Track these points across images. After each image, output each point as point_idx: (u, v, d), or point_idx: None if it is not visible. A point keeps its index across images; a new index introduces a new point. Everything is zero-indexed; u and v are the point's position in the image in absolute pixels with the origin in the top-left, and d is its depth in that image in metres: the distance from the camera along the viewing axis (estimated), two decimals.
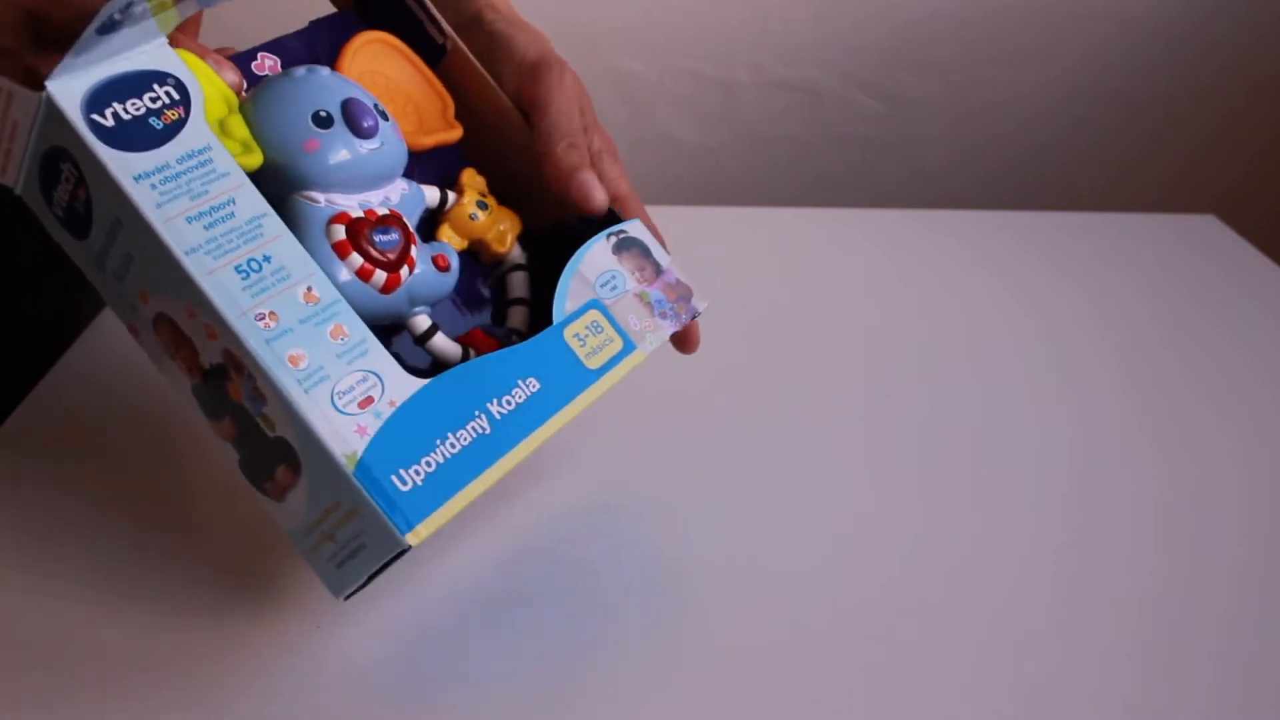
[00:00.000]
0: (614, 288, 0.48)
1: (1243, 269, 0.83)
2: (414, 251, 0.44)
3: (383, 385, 0.40)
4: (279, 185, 0.42)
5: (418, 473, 0.38)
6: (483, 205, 0.49)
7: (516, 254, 0.51)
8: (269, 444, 0.39)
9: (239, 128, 0.42)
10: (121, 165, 0.38)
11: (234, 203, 0.40)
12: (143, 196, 0.38)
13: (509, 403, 0.42)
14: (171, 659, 0.44)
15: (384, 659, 0.44)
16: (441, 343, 0.46)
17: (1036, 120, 1.37)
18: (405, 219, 0.45)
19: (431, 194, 0.48)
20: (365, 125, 0.43)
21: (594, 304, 0.47)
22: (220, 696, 0.43)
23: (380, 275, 0.42)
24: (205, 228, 0.39)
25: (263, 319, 0.38)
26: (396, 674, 0.44)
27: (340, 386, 0.39)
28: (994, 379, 0.67)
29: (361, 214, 0.43)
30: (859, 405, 0.64)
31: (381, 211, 0.44)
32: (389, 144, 0.44)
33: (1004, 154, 1.39)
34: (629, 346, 0.47)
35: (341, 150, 0.43)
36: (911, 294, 0.78)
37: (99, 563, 0.49)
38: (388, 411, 0.39)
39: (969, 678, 0.44)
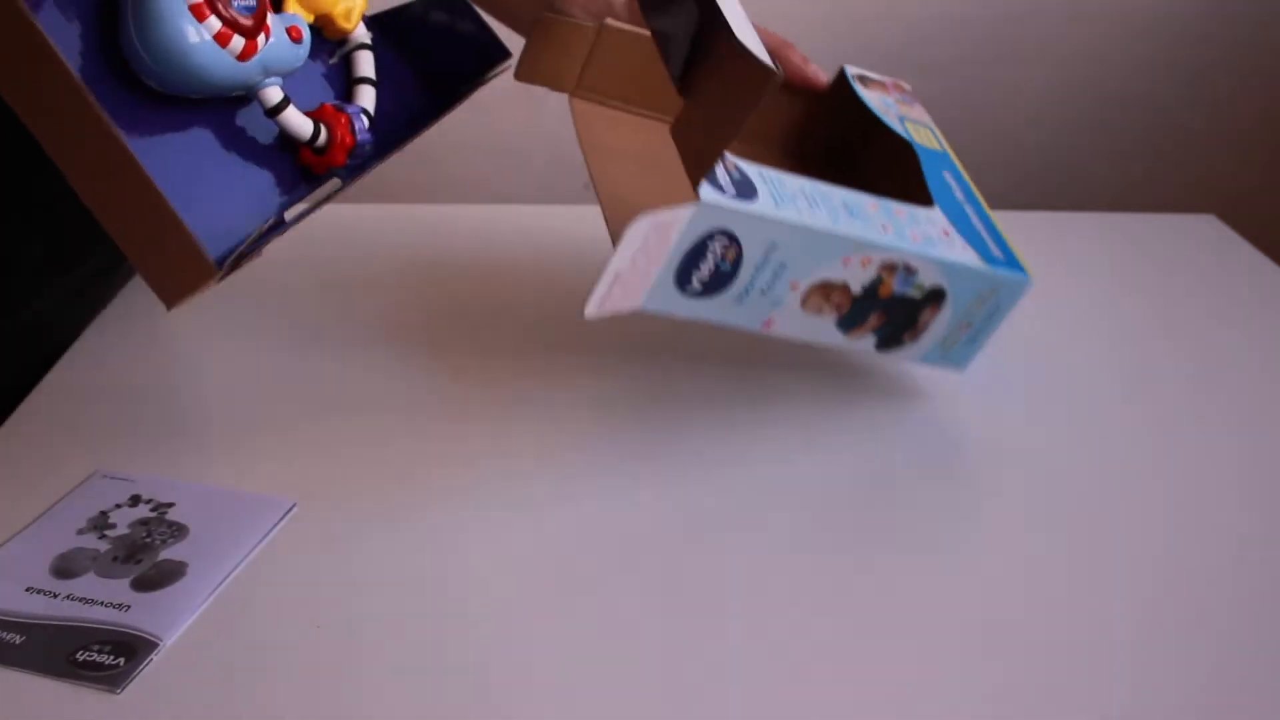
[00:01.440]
0: (892, 113, 0.66)
1: (1243, 269, 0.83)
2: (270, 20, 0.44)
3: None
4: None
5: (998, 248, 0.59)
6: None
7: (361, 33, 0.52)
8: (916, 304, 0.56)
9: None
10: (764, 207, 0.50)
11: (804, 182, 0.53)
12: (791, 214, 0.51)
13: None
14: None
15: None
16: (293, 116, 0.46)
17: (1036, 120, 1.37)
18: None
19: None
20: None
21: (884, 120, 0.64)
22: None
23: (238, 41, 0.43)
24: (821, 208, 0.52)
25: (886, 230, 0.54)
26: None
27: (921, 234, 0.56)
28: (993, 379, 0.66)
29: None
30: (858, 404, 0.64)
31: None
32: None
33: (1004, 154, 1.39)
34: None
35: None
36: None
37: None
38: (953, 231, 0.58)
39: (974, 678, 0.44)
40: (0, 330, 0.63)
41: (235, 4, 0.43)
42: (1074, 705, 0.43)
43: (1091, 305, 0.76)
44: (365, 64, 0.52)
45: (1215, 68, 1.35)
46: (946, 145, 0.65)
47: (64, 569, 0.48)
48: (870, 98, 0.65)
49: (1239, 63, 1.35)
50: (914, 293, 0.56)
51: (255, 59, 0.44)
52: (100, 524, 0.51)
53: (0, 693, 0.42)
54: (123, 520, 0.51)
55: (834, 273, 0.53)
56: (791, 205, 0.52)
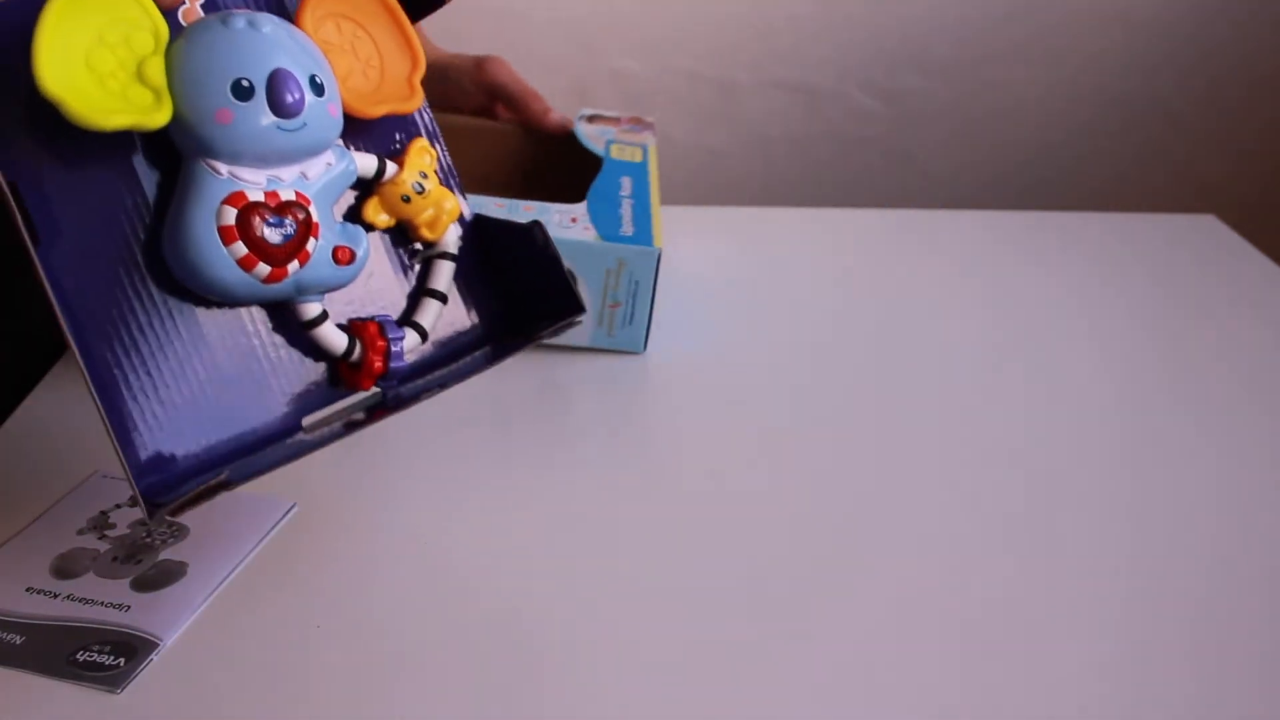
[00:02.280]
0: (601, 139, 0.76)
1: (1243, 269, 0.83)
2: (311, 245, 0.42)
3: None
4: (185, 142, 0.40)
5: (632, 228, 0.64)
6: (419, 188, 0.47)
7: (450, 239, 0.49)
8: None
9: (157, 74, 0.39)
10: None
11: None
12: None
13: None
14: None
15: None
16: (327, 332, 0.44)
17: (1038, 121, 1.37)
18: (313, 204, 0.42)
19: (366, 163, 0.46)
20: (288, 103, 0.40)
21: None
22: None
23: (263, 268, 0.41)
24: None
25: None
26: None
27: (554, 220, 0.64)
28: (994, 379, 0.67)
29: (262, 195, 0.41)
30: (858, 404, 0.64)
31: (286, 195, 0.41)
32: (314, 124, 0.41)
33: (1005, 155, 1.39)
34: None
35: (254, 128, 0.40)
36: (912, 294, 0.77)
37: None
38: (582, 217, 0.65)
39: (983, 679, 0.44)
40: (3, 330, 0.63)
41: (270, 228, 0.41)
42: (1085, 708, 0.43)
43: (1091, 305, 0.76)
44: (441, 276, 0.49)
45: (1216, 69, 1.35)
46: (651, 159, 0.74)
47: (64, 569, 0.48)
48: (588, 130, 0.76)
49: (1240, 64, 1.35)
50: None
51: (286, 281, 0.42)
52: (100, 524, 0.51)
53: (0, 693, 0.42)
54: (123, 520, 0.51)
55: None
56: None
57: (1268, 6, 1.31)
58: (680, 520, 0.53)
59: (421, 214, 0.47)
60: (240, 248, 0.40)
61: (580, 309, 0.50)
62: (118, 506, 0.52)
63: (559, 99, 0.80)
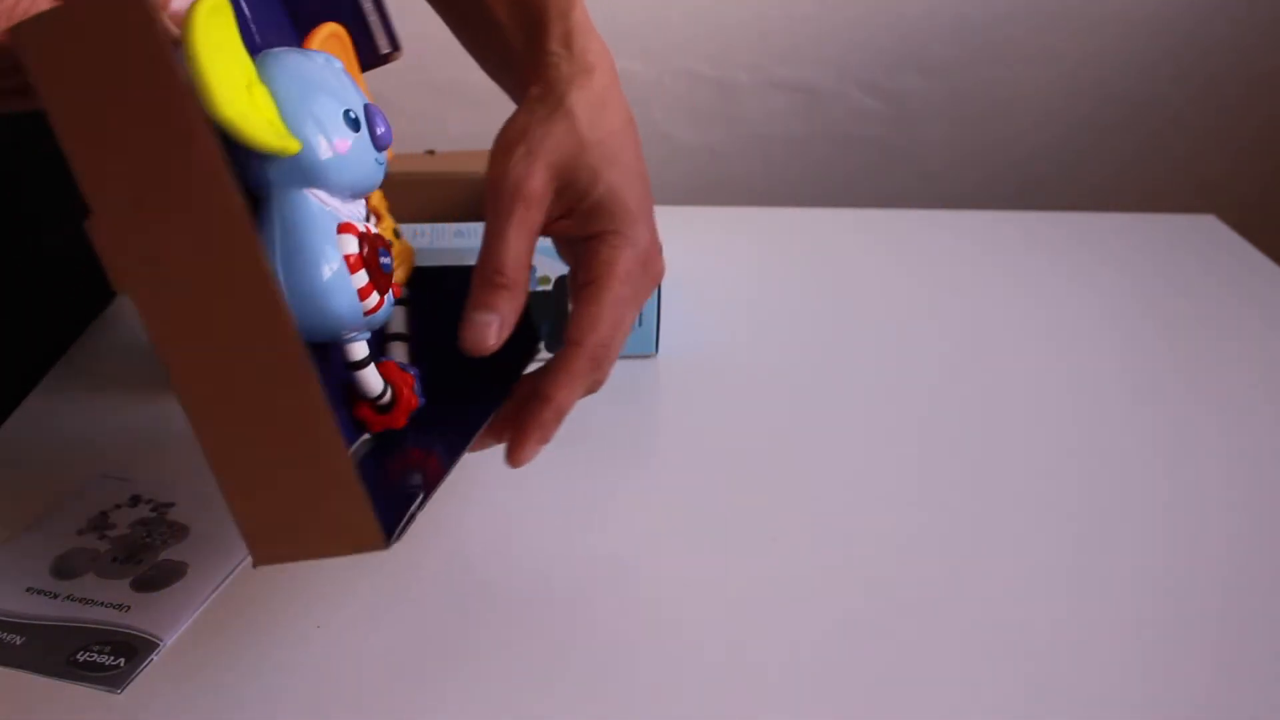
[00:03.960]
0: None
1: (1243, 269, 0.83)
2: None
3: None
4: (282, 174, 0.38)
5: None
6: (397, 232, 0.47)
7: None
8: (551, 296, 0.59)
9: (267, 103, 0.37)
10: None
11: None
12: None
13: None
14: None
15: (378, 658, 0.44)
16: (370, 375, 0.44)
17: (1038, 120, 1.37)
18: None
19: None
20: (379, 134, 0.40)
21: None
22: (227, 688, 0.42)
23: (375, 298, 0.40)
24: (425, 236, 0.63)
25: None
26: (391, 673, 0.44)
27: None
28: (995, 378, 0.67)
29: (363, 228, 0.40)
30: (859, 402, 0.64)
31: (373, 229, 0.41)
32: (384, 159, 0.42)
33: (1005, 154, 1.39)
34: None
35: (365, 158, 0.40)
36: (912, 293, 0.78)
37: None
38: None
39: (974, 680, 0.44)
40: (3, 331, 0.64)
41: (383, 260, 0.41)
42: (1072, 708, 0.43)
43: (1091, 305, 0.76)
44: (398, 320, 0.49)
45: (1216, 69, 1.35)
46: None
47: (64, 569, 0.48)
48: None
49: (1240, 64, 1.35)
50: (541, 285, 0.62)
51: (380, 313, 0.41)
52: (100, 524, 0.51)
53: (0, 693, 0.42)
54: (123, 520, 0.51)
55: None
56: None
57: (1266, 4, 1.31)
58: (704, 523, 0.53)
59: (399, 256, 0.47)
60: (363, 276, 0.40)
61: (536, 339, 0.48)
62: (118, 506, 0.52)
63: None
